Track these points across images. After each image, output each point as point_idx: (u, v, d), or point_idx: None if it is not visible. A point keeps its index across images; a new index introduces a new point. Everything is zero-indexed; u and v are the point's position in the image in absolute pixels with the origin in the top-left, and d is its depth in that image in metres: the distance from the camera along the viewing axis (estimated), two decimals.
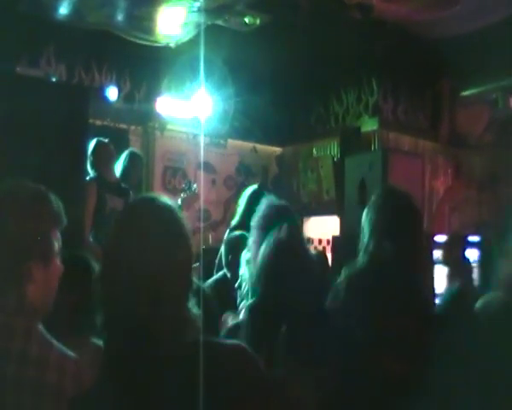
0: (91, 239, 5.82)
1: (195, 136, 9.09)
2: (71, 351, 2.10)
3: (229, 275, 4.48)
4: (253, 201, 5.33)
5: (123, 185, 6.39)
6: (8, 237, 1.92)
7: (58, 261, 2.02)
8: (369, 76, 8.96)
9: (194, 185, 6.50)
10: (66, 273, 3.51)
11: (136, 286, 1.60)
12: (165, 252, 1.63)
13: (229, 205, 9.11)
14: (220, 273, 4.73)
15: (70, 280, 3.49)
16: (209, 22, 7.25)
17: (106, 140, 6.34)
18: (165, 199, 1.77)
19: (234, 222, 5.44)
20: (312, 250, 8.63)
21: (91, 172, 6.12)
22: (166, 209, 1.72)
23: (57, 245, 2.01)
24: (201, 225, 8.49)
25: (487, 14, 7.03)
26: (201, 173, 8.98)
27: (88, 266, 3.64)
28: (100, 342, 2.75)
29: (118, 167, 6.57)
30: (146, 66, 8.45)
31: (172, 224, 1.70)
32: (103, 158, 6.22)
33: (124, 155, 6.72)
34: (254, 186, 5.67)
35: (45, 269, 1.97)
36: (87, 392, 1.68)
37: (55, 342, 1.93)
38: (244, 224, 5.24)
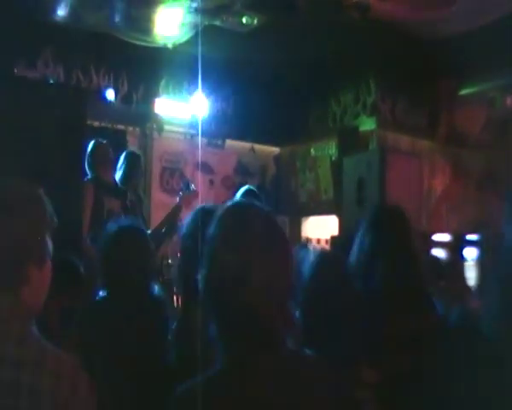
0: (89, 241, 5.81)
1: (193, 136, 9.09)
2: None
3: None
4: None
5: (120, 187, 6.38)
6: (7, 239, 1.90)
7: (50, 263, 2.02)
8: (366, 76, 8.96)
9: (192, 186, 6.50)
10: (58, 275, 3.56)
11: (263, 296, 1.66)
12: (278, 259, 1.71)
13: None
14: None
15: (62, 281, 3.54)
16: (206, 23, 7.24)
17: (104, 141, 6.34)
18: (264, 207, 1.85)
19: None
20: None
21: (89, 173, 6.12)
22: (266, 215, 1.80)
23: (51, 247, 2.01)
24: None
25: (484, 13, 7.03)
26: (199, 174, 8.98)
27: (76, 268, 3.68)
28: None
29: (117, 168, 6.58)
30: (144, 67, 8.45)
31: (274, 229, 1.78)
32: (101, 159, 6.22)
33: (123, 156, 6.72)
34: (247, 187, 5.69)
35: (40, 271, 1.96)
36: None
37: (49, 344, 1.92)
38: None
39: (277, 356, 1.65)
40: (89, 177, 6.09)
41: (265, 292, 1.64)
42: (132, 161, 6.74)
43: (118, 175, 6.51)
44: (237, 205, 1.85)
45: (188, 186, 6.50)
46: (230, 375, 1.67)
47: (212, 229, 1.77)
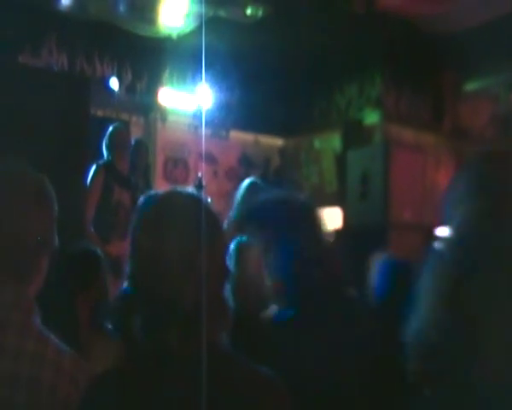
0: (92, 227, 5.76)
1: (197, 127, 9.07)
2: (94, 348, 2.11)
3: None
4: (250, 194, 5.35)
5: (133, 178, 6.29)
6: (27, 230, 1.88)
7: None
8: (371, 68, 8.94)
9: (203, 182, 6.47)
10: (83, 268, 3.45)
11: (180, 279, 1.60)
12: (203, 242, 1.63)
13: (230, 197, 9.05)
14: None
15: (88, 275, 3.43)
16: (211, 13, 7.22)
17: (124, 127, 6.28)
18: (192, 191, 1.80)
19: (231, 215, 5.45)
20: None
21: (105, 156, 6.05)
22: (197, 200, 1.73)
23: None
24: None
25: (491, 8, 7.01)
26: (203, 164, 8.96)
27: (99, 258, 3.57)
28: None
29: None
30: (148, 56, 8.44)
31: (207, 214, 1.69)
32: (119, 146, 6.13)
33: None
34: (251, 179, 5.67)
35: (48, 260, 1.96)
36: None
37: (51, 337, 1.89)
38: (240, 217, 5.25)
39: (197, 346, 1.56)
40: (101, 161, 6.01)
41: (180, 278, 1.59)
42: (138, 149, 6.70)
43: None
44: (161, 192, 1.81)
45: (200, 183, 6.49)
46: (146, 362, 1.63)
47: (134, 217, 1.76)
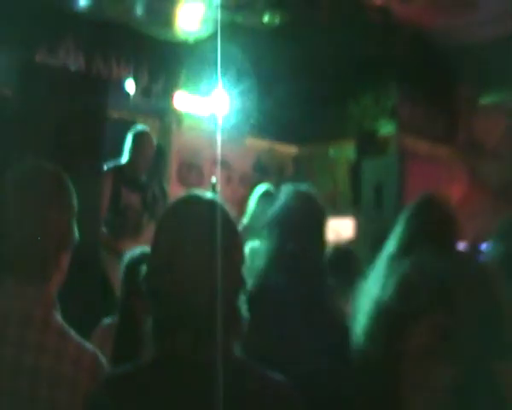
0: (102, 228, 5.79)
1: (212, 132, 9.05)
2: None
3: None
4: (262, 202, 5.35)
5: (143, 180, 6.27)
6: (44, 226, 1.90)
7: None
8: (386, 79, 8.93)
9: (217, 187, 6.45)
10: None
11: (196, 286, 1.61)
12: (222, 250, 1.62)
13: (244, 202, 9.03)
14: None
15: None
16: (228, 20, 7.23)
17: (148, 131, 6.26)
18: (212, 196, 1.79)
19: (243, 222, 5.45)
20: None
21: (124, 156, 6.04)
22: (215, 207, 1.72)
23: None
24: None
25: (506, 22, 7.00)
26: (218, 170, 8.94)
27: None
28: None
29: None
30: (164, 60, 8.44)
31: (225, 221, 1.70)
32: (138, 148, 6.08)
33: None
34: (264, 187, 5.66)
35: (67, 257, 1.97)
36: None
37: (73, 333, 1.91)
38: (252, 224, 5.25)
39: (209, 352, 1.58)
40: (110, 165, 6.00)
41: (194, 283, 1.59)
42: (158, 154, 6.67)
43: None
44: (182, 197, 1.81)
45: (214, 188, 6.47)
46: (157, 366, 1.64)
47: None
